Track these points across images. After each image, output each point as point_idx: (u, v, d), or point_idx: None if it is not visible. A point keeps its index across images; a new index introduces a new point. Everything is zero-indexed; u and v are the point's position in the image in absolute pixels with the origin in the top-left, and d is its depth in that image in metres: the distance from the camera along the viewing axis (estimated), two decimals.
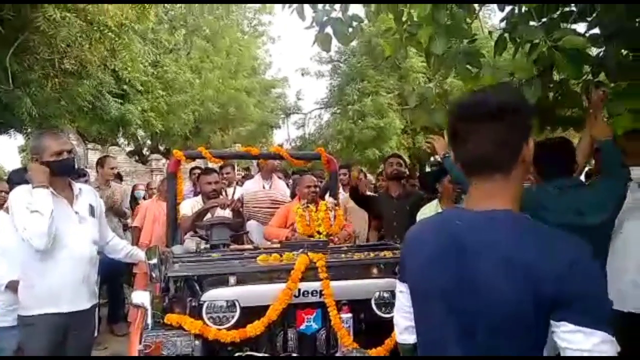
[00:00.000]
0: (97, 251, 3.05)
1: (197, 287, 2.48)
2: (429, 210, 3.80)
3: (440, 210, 3.70)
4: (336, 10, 3.17)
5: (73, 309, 2.82)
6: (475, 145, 1.14)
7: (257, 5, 19.79)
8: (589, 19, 2.86)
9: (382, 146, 14.62)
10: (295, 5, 3.19)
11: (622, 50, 2.85)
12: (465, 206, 1.23)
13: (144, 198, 7.42)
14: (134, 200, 7.12)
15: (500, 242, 1.09)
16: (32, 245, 2.60)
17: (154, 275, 2.55)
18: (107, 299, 5.66)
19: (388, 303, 2.51)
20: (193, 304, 2.42)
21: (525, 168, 1.18)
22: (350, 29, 3.23)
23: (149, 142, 17.80)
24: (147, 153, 17.65)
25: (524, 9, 2.93)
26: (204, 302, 2.39)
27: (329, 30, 3.21)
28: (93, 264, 2.98)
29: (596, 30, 2.86)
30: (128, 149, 17.63)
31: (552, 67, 2.73)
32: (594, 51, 2.99)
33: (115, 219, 5.46)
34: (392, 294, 2.43)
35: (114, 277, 5.37)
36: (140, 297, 2.49)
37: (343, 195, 5.26)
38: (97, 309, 3.12)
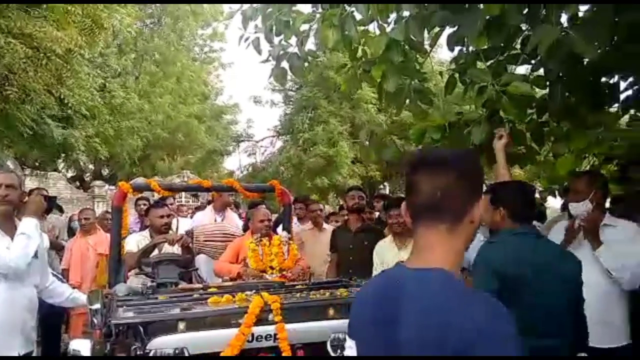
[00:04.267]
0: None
1: (143, 334, 2.32)
2: (384, 245, 3.80)
3: (394, 245, 3.70)
4: (292, 46, 3.19)
5: (2, 355, 2.61)
6: (424, 191, 1.16)
7: (209, 32, 19.74)
8: (533, 61, 3.01)
9: (333, 174, 14.68)
10: (251, 39, 3.19)
11: (566, 93, 3.00)
12: (406, 259, 1.23)
13: None
14: (72, 232, 6.72)
15: (428, 307, 1.10)
16: (11, 265, 2.56)
17: (95, 321, 2.37)
18: (40, 338, 5.27)
19: (344, 345, 2.44)
20: (138, 352, 2.26)
21: (472, 231, 1.20)
22: (306, 64, 3.27)
23: (91, 167, 17.09)
24: (89, 179, 16.92)
25: (471, 48, 3.05)
26: (150, 350, 2.24)
27: (284, 64, 3.22)
28: (31, 310, 2.77)
29: (541, 72, 3.01)
30: (69, 174, 16.85)
31: (499, 110, 2.83)
32: (539, 91, 3.12)
33: (52, 253, 5.14)
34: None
35: (52, 319, 5.01)
36: (79, 345, 2.31)
37: (299, 227, 5.19)
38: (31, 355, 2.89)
